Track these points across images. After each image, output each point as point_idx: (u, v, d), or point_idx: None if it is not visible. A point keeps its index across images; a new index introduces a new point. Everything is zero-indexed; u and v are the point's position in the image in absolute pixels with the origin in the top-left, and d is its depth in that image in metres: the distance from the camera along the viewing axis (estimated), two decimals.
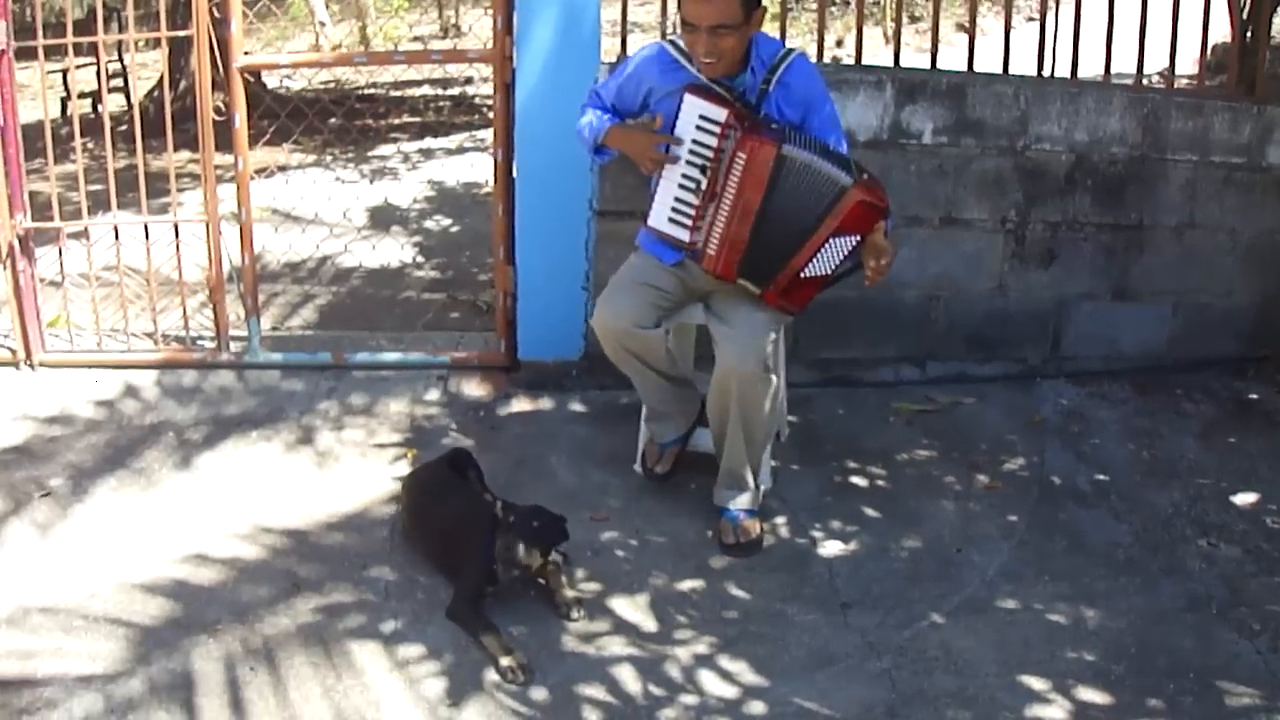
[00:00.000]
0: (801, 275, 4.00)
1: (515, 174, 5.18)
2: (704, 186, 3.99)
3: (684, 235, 4.07)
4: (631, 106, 4.26)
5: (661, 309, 4.19)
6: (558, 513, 3.85)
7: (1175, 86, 5.81)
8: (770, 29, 4.33)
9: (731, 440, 4.17)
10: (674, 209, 4.06)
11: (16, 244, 5.29)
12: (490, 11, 5.11)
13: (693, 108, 3.95)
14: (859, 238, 3.94)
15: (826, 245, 3.94)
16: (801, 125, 4.09)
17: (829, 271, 4.02)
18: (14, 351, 5.43)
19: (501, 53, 5.07)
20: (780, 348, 4.44)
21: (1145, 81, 5.71)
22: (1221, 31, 6.28)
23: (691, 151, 3.97)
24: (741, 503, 4.22)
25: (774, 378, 4.11)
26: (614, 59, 5.14)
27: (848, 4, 17.70)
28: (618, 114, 4.29)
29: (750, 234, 3.96)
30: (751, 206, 3.93)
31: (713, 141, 3.94)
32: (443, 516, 3.93)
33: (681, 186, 4.03)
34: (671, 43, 4.13)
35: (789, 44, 4.30)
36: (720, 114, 3.92)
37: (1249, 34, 6.00)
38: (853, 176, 3.89)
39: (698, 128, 3.95)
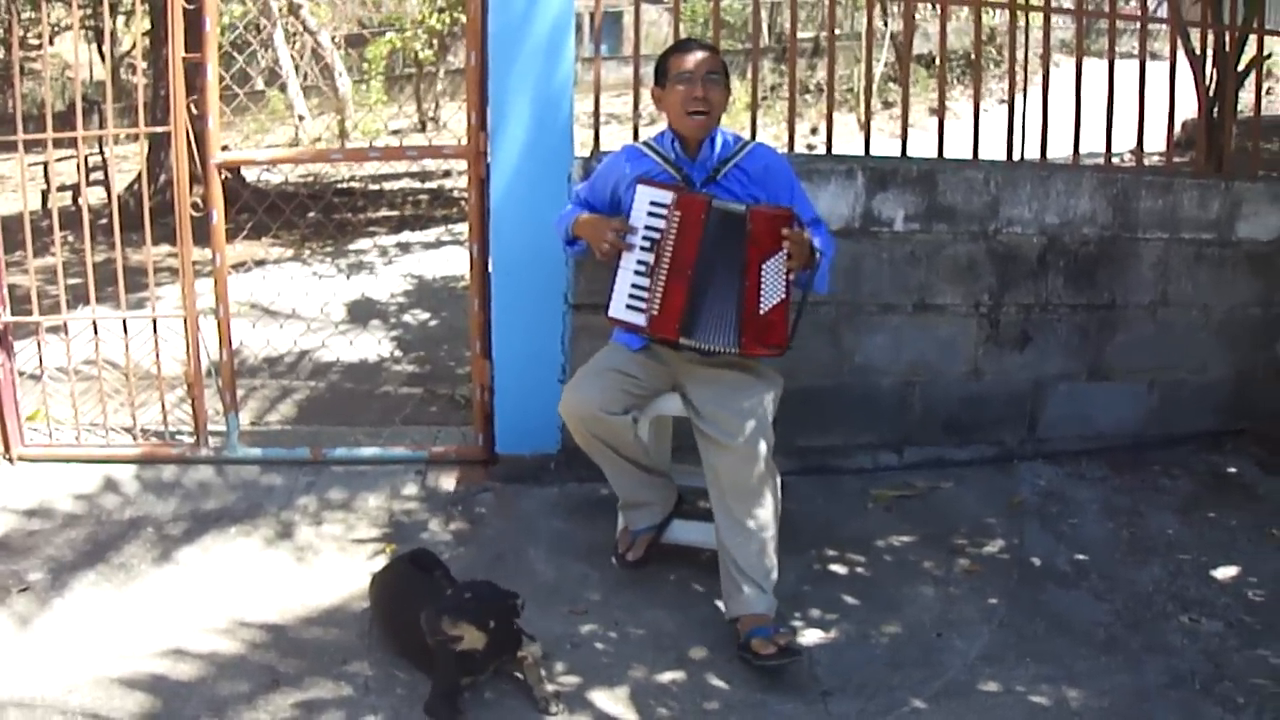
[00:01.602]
0: (761, 312, 4.07)
1: (491, 268, 5.21)
2: (653, 266, 4.11)
3: (640, 319, 4.15)
4: (604, 200, 4.38)
5: (631, 395, 4.23)
6: (508, 590, 3.82)
7: (1144, 165, 5.87)
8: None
9: (758, 542, 4.09)
10: (630, 295, 4.16)
11: None
12: (465, 107, 5.17)
13: (644, 195, 4.13)
14: (785, 253, 4.04)
15: (763, 273, 4.04)
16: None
17: (783, 296, 4.08)
18: None
19: (476, 148, 5.12)
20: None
21: (1115, 161, 5.77)
22: (1189, 108, 6.36)
23: (644, 237, 4.12)
24: (771, 605, 4.08)
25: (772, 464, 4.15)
26: (588, 152, 5.19)
27: (821, 92, 17.88)
28: (592, 210, 4.41)
29: (690, 286, 4.07)
30: (688, 259, 4.06)
31: (661, 224, 4.09)
32: (410, 614, 3.88)
33: (636, 272, 4.14)
34: (644, 143, 4.32)
35: (762, 132, 4.40)
36: (667, 197, 4.08)
37: (1215, 110, 6.08)
38: (746, 206, 4.08)
39: (649, 214, 4.11)
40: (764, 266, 4.03)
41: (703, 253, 4.05)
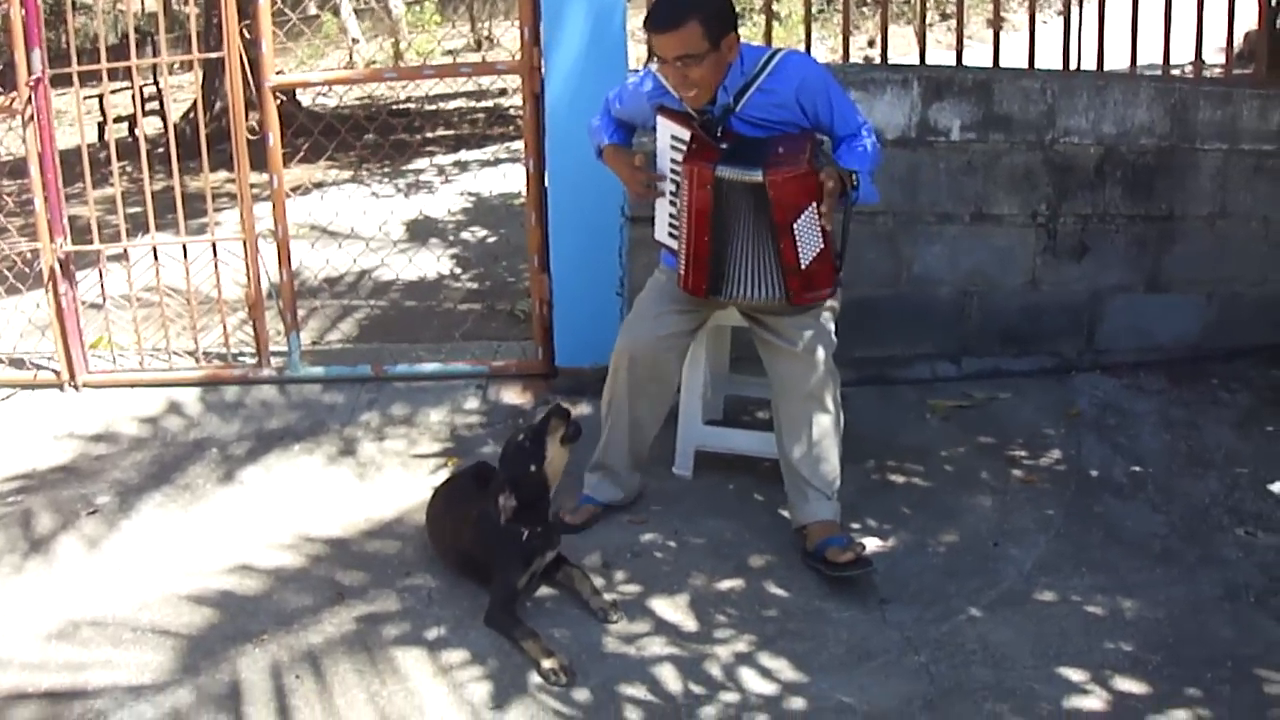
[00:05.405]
0: (803, 267, 3.94)
1: (547, 183, 5.23)
2: (677, 212, 4.07)
3: (677, 245, 4.11)
4: (644, 116, 4.25)
5: (685, 333, 4.28)
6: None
7: (1203, 76, 5.80)
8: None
9: (821, 449, 4.08)
10: (669, 224, 4.15)
11: (57, 267, 5.38)
12: (518, 23, 5.16)
13: (665, 128, 4.06)
14: (814, 207, 3.86)
15: (795, 231, 3.88)
16: (812, 122, 4.04)
17: (822, 246, 3.93)
18: (58, 373, 5.52)
19: (530, 63, 5.12)
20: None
21: (1173, 73, 5.70)
22: (1249, 20, 6.27)
23: (672, 170, 4.05)
24: (837, 512, 4.11)
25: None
26: (641, 66, 5.17)
27: (878, 4, 17.72)
28: (623, 125, 4.35)
29: (710, 249, 3.99)
30: (704, 224, 3.96)
31: (681, 159, 3.99)
32: (465, 528, 3.93)
33: (671, 202, 4.11)
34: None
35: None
36: (685, 134, 3.98)
37: (1277, 21, 5.99)
38: (760, 166, 3.83)
39: (671, 146, 4.04)
40: (795, 226, 3.88)
41: (720, 217, 3.94)
